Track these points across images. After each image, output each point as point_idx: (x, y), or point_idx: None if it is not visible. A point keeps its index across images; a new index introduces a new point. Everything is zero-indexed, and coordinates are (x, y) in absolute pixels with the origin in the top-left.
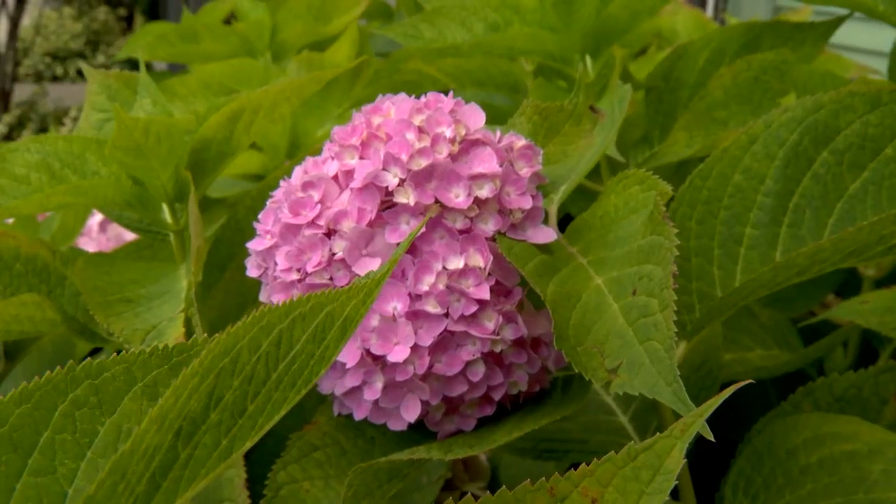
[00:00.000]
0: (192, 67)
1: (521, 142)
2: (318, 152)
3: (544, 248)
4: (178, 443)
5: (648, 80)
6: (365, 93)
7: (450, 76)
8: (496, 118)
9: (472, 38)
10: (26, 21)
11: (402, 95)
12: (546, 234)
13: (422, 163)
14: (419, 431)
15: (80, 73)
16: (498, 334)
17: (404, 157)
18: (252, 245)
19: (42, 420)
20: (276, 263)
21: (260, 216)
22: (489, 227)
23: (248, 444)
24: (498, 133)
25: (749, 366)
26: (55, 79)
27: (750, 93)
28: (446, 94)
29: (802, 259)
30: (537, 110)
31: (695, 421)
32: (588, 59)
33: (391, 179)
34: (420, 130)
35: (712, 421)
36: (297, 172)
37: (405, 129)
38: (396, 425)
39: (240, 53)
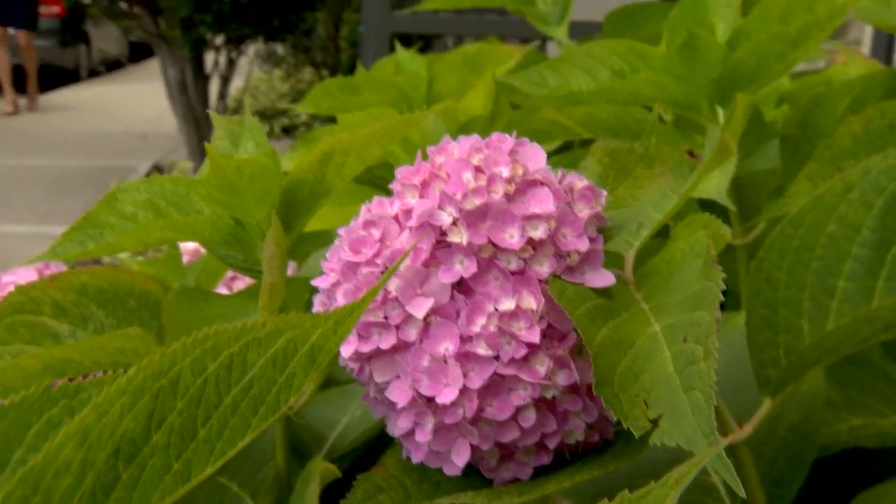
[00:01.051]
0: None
1: (581, 182)
2: None
3: (603, 292)
4: (119, 462)
5: (784, 129)
6: None
7: (582, 125)
8: None
9: (597, 85)
10: (240, 83)
11: (474, 137)
12: (605, 278)
13: (476, 202)
14: (482, 478)
15: (284, 130)
16: (549, 379)
17: (459, 197)
18: (317, 282)
19: (16, 438)
20: (335, 300)
21: (327, 254)
22: (544, 268)
23: (210, 470)
24: (560, 173)
25: (879, 431)
26: None
27: (882, 142)
28: (580, 143)
29: (886, 312)
30: (607, 152)
31: (690, 471)
32: (717, 107)
33: (445, 219)
34: (477, 170)
35: (807, 490)
36: (363, 210)
37: (463, 168)
38: (451, 470)
39: (397, 105)
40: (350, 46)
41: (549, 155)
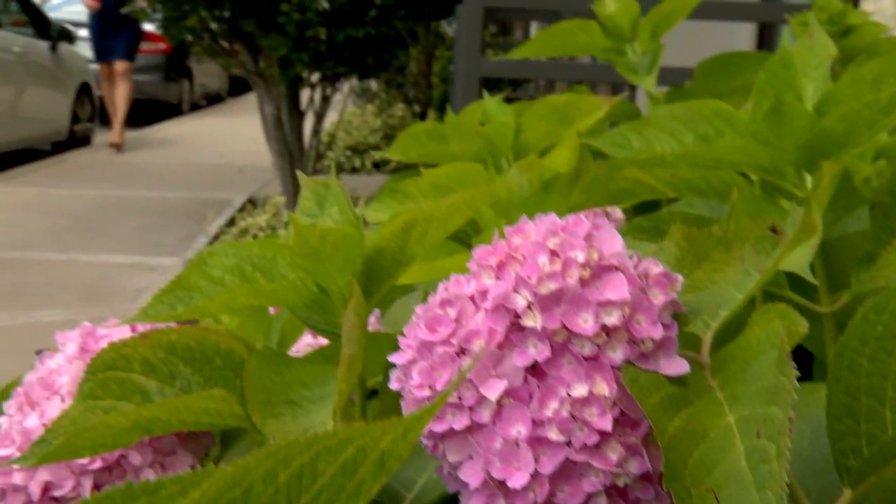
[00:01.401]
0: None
1: (657, 268)
2: None
3: (677, 380)
4: None
5: (874, 195)
6: (582, 198)
7: (667, 184)
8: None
9: (681, 148)
10: (334, 117)
11: (550, 216)
12: (679, 366)
13: (550, 287)
14: None
15: (375, 165)
16: (621, 467)
17: (534, 281)
18: (394, 359)
19: None
20: (411, 378)
21: (405, 329)
22: (618, 355)
23: None
24: (635, 258)
25: None
26: (353, 170)
27: None
28: (664, 202)
29: None
30: (685, 235)
31: None
32: (804, 173)
33: (520, 302)
34: (553, 253)
35: None
36: (440, 289)
37: (539, 251)
38: None
39: (483, 154)
40: (442, 83)
41: (634, 213)
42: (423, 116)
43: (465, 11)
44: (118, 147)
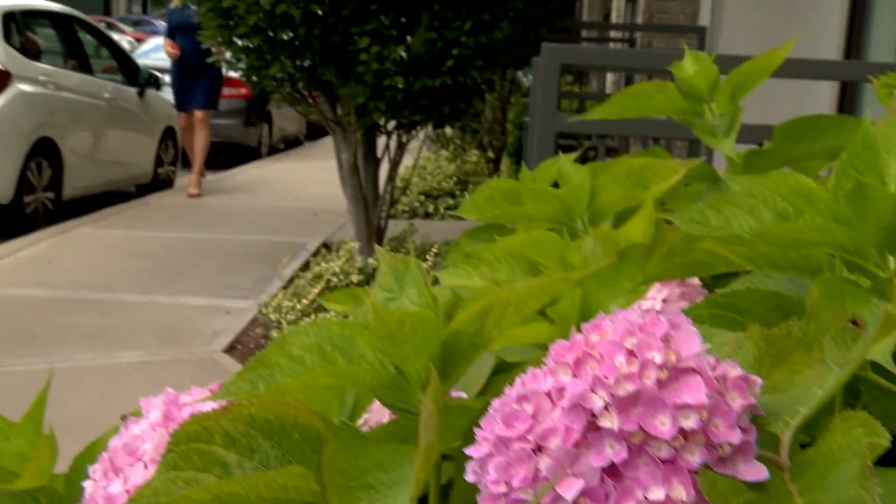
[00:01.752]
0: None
1: (735, 371)
2: None
3: (757, 486)
4: None
5: None
6: (658, 269)
7: (744, 257)
8: (788, 310)
9: (760, 226)
10: (408, 161)
11: (628, 314)
12: (758, 472)
13: (628, 388)
14: None
15: (447, 208)
16: None
17: (611, 381)
18: (470, 451)
19: None
20: (487, 473)
21: (482, 422)
22: (695, 458)
23: None
24: (713, 360)
25: None
26: (427, 215)
27: None
28: (739, 274)
29: None
30: (763, 335)
31: None
32: (887, 255)
33: (597, 402)
34: (630, 354)
35: None
36: (517, 383)
37: (616, 351)
38: None
39: (558, 216)
40: (516, 129)
41: (710, 285)
42: (496, 162)
43: (541, 67)
44: (195, 196)
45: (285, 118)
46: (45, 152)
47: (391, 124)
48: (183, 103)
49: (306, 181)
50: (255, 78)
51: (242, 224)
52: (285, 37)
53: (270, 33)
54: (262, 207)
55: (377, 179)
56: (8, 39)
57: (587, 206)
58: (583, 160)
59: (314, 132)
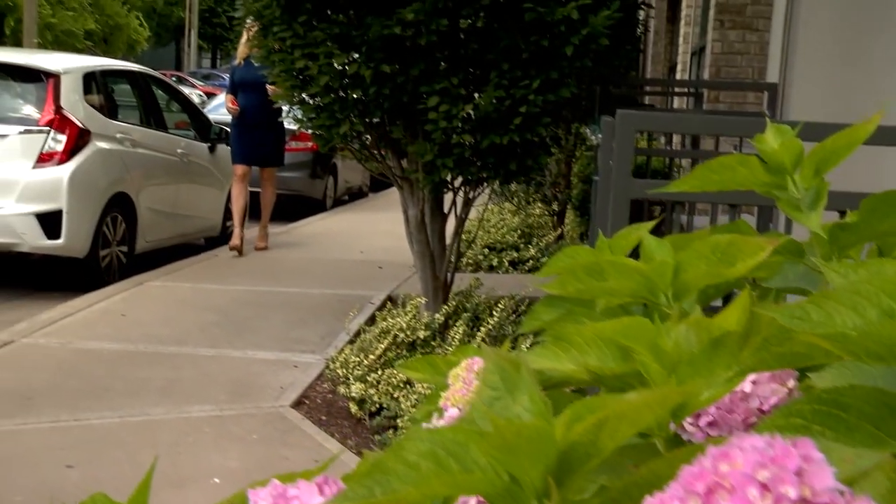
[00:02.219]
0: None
1: None
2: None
3: None
4: None
5: None
6: (753, 360)
7: (845, 349)
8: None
9: (865, 324)
10: (472, 213)
11: (755, 439)
12: None
13: None
14: None
15: (511, 263)
16: None
17: None
18: None
19: None
20: None
21: None
22: None
23: None
24: (847, 495)
25: None
26: (491, 268)
27: None
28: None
29: None
30: (895, 468)
31: None
32: None
33: None
34: (763, 487)
35: None
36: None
37: (748, 483)
38: None
39: (642, 292)
40: (581, 182)
41: (806, 375)
42: (561, 216)
43: (617, 133)
44: (262, 250)
45: (350, 170)
46: (120, 207)
47: (458, 180)
48: (241, 157)
49: (371, 233)
50: (325, 135)
51: (309, 277)
52: (356, 96)
53: (341, 93)
54: (328, 260)
55: (444, 235)
56: (87, 98)
57: (671, 282)
58: (658, 230)
59: (378, 183)
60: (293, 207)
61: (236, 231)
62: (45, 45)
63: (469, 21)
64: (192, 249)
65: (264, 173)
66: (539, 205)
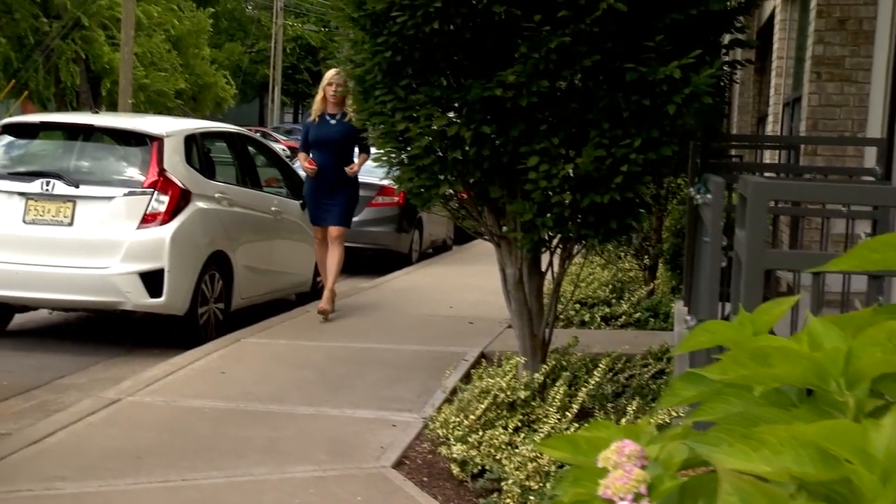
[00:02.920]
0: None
1: None
2: None
3: None
4: None
5: None
6: None
7: None
8: None
9: None
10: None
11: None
12: None
13: None
14: None
15: (603, 319)
16: None
17: None
18: None
19: None
20: None
21: None
22: None
23: None
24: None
25: None
26: (583, 324)
27: None
28: None
29: None
30: None
31: None
32: None
33: None
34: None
35: None
36: None
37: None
38: None
39: (811, 379)
40: (673, 236)
41: None
42: (652, 270)
43: (749, 203)
44: (325, 315)
45: (435, 224)
46: (217, 265)
47: (555, 238)
48: (318, 217)
49: (458, 287)
50: (424, 195)
51: (400, 333)
52: (456, 156)
53: (440, 153)
54: (418, 315)
55: (541, 293)
56: (188, 160)
57: (843, 370)
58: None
59: (461, 237)
60: (379, 261)
61: (326, 295)
62: (138, 104)
63: (568, 81)
64: (284, 305)
65: (333, 232)
66: (630, 259)
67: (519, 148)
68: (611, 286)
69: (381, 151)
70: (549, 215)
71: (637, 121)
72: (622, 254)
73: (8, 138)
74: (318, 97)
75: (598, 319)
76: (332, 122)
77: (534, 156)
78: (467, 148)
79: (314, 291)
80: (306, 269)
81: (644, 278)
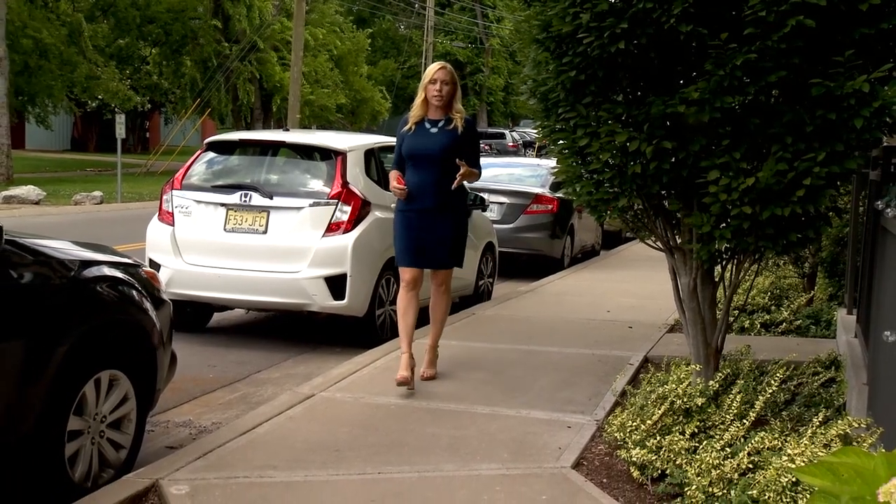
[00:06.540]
0: None
1: None
2: None
3: None
4: None
5: None
6: None
7: None
8: None
9: None
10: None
11: None
12: None
13: None
14: None
15: (763, 325)
16: None
17: None
18: None
19: None
20: None
21: None
22: None
23: None
24: None
25: None
26: (742, 330)
27: None
28: None
29: None
30: None
31: None
32: None
33: None
34: None
35: None
36: None
37: None
38: None
39: None
40: (833, 245)
41: None
42: (811, 278)
43: None
44: (430, 379)
45: (585, 230)
46: (392, 270)
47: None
48: (409, 255)
49: (613, 292)
50: (601, 208)
51: (564, 336)
52: (635, 170)
53: (620, 168)
54: (578, 319)
55: (714, 302)
56: (367, 172)
57: None
58: None
59: (609, 242)
60: (531, 266)
61: (404, 359)
62: (304, 118)
63: (752, 97)
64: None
65: (438, 277)
66: (790, 267)
67: (699, 162)
68: (769, 293)
69: (561, 166)
70: (726, 227)
71: (821, 135)
72: (782, 262)
73: (211, 154)
74: (419, 100)
75: (758, 326)
76: (433, 129)
77: (714, 170)
78: (646, 162)
79: (476, 295)
80: (469, 274)
81: (803, 286)
